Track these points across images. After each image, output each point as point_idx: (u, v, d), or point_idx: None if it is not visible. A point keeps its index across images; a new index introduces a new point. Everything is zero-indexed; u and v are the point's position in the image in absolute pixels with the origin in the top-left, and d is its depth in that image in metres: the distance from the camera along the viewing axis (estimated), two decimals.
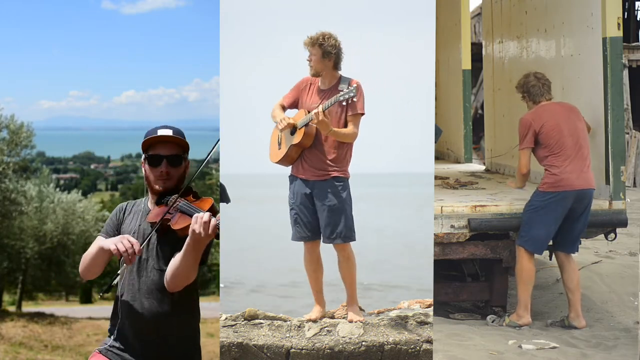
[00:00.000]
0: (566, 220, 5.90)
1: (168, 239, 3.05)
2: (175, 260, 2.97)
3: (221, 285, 5.11)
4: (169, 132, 3.19)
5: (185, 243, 2.90)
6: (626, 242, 9.02)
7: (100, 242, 3.08)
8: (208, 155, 3.14)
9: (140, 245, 2.98)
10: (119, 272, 3.03)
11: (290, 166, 4.78)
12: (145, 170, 3.19)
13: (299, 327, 4.73)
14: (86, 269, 3.15)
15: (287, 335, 4.69)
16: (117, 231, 3.21)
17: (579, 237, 6.00)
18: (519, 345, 5.51)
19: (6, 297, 24.79)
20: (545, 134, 5.91)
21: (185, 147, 3.21)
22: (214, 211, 3.01)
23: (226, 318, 4.80)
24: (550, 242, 6.11)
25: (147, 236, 3.06)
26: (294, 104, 4.78)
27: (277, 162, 4.78)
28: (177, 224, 2.99)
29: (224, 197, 4.94)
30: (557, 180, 5.82)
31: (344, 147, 4.65)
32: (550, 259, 6.52)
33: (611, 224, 6.27)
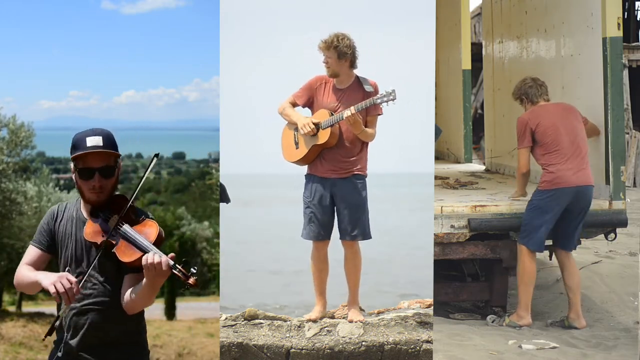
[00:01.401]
0: (564, 217, 5.90)
1: (110, 255, 2.95)
2: (133, 293, 2.91)
3: (221, 286, 5.11)
4: (99, 141, 2.99)
5: (143, 282, 2.84)
6: (626, 242, 9.01)
7: (37, 275, 2.96)
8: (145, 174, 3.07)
9: (80, 282, 2.89)
10: (60, 313, 2.93)
11: (306, 165, 4.78)
12: (76, 181, 3.06)
13: (299, 327, 4.73)
14: (21, 288, 3.07)
15: (287, 335, 4.69)
16: (50, 239, 3.10)
17: (574, 234, 5.99)
18: (519, 345, 5.51)
19: (6, 297, 24.78)
20: (541, 133, 5.92)
21: (117, 155, 3.06)
22: (160, 239, 2.93)
23: (226, 318, 4.80)
24: (550, 242, 6.11)
25: (91, 263, 2.96)
26: (308, 103, 4.77)
27: (294, 162, 4.78)
28: (124, 255, 2.89)
29: (224, 197, 4.95)
30: (554, 178, 5.83)
31: (363, 146, 4.69)
32: (550, 259, 6.52)
33: (611, 224, 6.26)
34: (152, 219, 3.02)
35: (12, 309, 23.09)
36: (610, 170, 6.18)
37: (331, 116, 4.62)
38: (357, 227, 4.70)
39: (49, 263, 3.14)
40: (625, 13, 20.53)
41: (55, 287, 2.84)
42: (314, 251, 4.79)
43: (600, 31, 6.23)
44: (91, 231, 2.99)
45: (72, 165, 3.04)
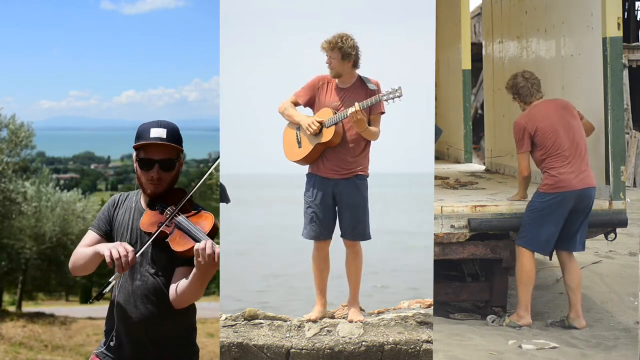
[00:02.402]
0: (568, 219, 5.89)
1: (164, 246, 2.93)
2: (182, 285, 2.89)
3: (221, 286, 5.11)
4: (163, 133, 3.00)
5: (192, 273, 2.82)
6: (626, 242, 9.01)
7: (97, 246, 2.98)
8: (208, 171, 3.05)
9: (136, 254, 2.87)
10: (111, 279, 2.88)
11: (308, 165, 4.78)
12: (136, 170, 3.07)
13: (299, 327, 4.73)
14: (77, 268, 3.06)
15: (287, 335, 4.69)
16: (108, 225, 3.11)
17: (576, 235, 5.96)
18: (519, 345, 5.51)
19: (6, 297, 24.79)
20: (540, 136, 5.89)
21: (179, 149, 3.07)
22: (215, 230, 2.91)
23: (226, 318, 4.80)
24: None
25: (143, 247, 2.93)
26: (310, 103, 4.77)
27: (296, 161, 4.77)
28: (177, 244, 2.87)
29: (224, 197, 4.94)
30: (557, 182, 5.81)
31: (366, 146, 4.68)
32: (550, 259, 6.52)
33: (611, 224, 6.26)
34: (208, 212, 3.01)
35: (12, 309, 23.10)
36: (610, 170, 6.18)
37: (335, 114, 4.62)
38: (357, 228, 4.70)
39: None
40: (625, 13, 20.53)
41: (111, 253, 2.82)
42: (315, 251, 4.79)
43: (600, 31, 6.23)
44: (147, 221, 2.98)
45: (134, 154, 3.04)
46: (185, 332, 3.12)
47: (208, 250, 2.73)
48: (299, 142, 4.73)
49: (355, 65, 4.68)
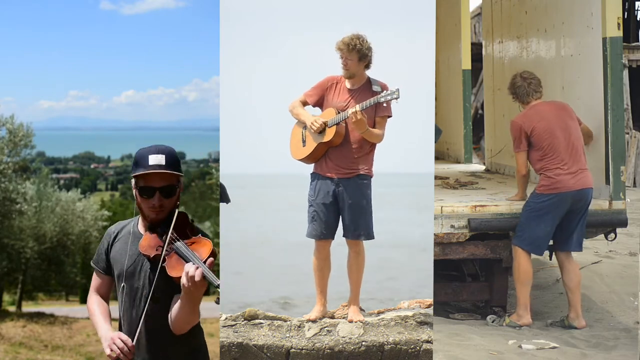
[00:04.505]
0: (565, 220, 5.89)
1: (162, 270, 2.91)
2: (174, 310, 2.89)
3: (220, 285, 5.11)
4: (162, 160, 2.95)
5: (180, 297, 2.82)
6: (626, 242, 9.01)
7: (101, 330, 3.01)
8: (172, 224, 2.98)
9: (133, 340, 2.91)
10: None
11: (313, 164, 4.79)
12: (136, 197, 3.01)
13: (299, 327, 4.73)
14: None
15: (287, 335, 4.69)
16: (106, 262, 3.12)
17: (573, 234, 5.95)
18: (519, 345, 5.51)
19: (6, 297, 24.79)
20: (536, 136, 5.90)
21: (179, 175, 3.01)
22: (213, 255, 2.87)
23: (226, 318, 4.80)
24: (551, 242, 6.10)
25: (151, 279, 2.93)
26: (319, 103, 4.79)
27: (300, 160, 4.79)
28: (172, 269, 2.85)
29: (224, 197, 4.95)
30: (554, 183, 5.81)
31: (370, 146, 4.69)
32: (550, 259, 6.52)
33: (611, 224, 6.26)
34: (208, 238, 2.97)
35: (12, 309, 23.10)
36: (610, 170, 6.17)
37: (337, 114, 4.64)
38: (360, 227, 4.70)
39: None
40: (625, 13, 20.52)
41: (111, 349, 2.89)
42: (316, 250, 4.80)
43: (600, 31, 6.23)
44: (146, 244, 2.96)
45: (132, 182, 3.00)
46: (191, 354, 3.13)
47: (190, 273, 2.71)
48: (304, 141, 4.75)
49: (368, 66, 4.70)
